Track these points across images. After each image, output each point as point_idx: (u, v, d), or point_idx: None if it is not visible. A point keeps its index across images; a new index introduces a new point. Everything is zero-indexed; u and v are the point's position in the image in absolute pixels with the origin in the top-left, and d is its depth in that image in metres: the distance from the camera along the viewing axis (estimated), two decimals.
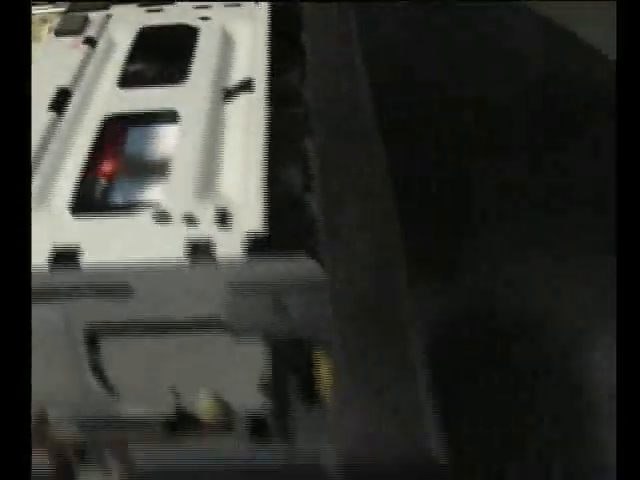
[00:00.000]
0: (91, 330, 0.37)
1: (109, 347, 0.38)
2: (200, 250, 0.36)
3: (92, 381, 0.39)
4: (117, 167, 0.46)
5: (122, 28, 0.56)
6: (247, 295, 0.34)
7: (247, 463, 0.30)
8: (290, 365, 0.33)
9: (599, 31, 0.86)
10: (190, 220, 0.38)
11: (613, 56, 0.84)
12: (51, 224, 0.39)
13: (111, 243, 0.37)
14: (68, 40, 0.54)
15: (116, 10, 0.58)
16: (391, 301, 0.32)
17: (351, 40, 0.52)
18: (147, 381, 0.39)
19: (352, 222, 0.35)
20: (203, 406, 0.40)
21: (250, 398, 0.38)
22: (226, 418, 0.40)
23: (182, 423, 0.40)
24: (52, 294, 0.36)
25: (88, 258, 0.37)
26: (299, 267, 0.34)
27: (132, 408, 0.40)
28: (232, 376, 0.38)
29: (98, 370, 0.39)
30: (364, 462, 0.27)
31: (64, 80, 0.50)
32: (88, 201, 0.41)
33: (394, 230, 0.35)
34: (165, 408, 0.40)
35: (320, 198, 0.37)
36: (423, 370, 0.30)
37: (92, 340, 0.38)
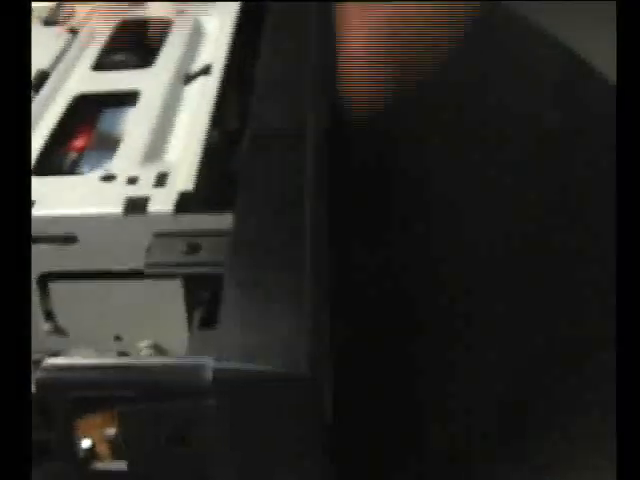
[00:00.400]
0: (42, 274, 0.42)
1: (58, 292, 0.43)
2: (136, 206, 0.41)
3: (42, 322, 0.43)
4: (86, 142, 0.51)
5: (104, 20, 0.61)
6: (166, 241, 0.39)
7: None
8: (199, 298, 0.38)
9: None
10: (131, 181, 0.43)
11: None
12: None
13: (62, 198, 0.42)
14: (54, 29, 0.60)
15: (101, 5, 0.63)
16: (293, 241, 0.36)
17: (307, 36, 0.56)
18: (92, 325, 0.44)
19: (270, 174, 0.40)
20: (144, 354, 0.44)
21: (179, 342, 0.43)
22: None
23: None
24: None
25: (41, 210, 0.42)
26: (217, 219, 0.39)
27: (78, 350, 0.44)
28: (163, 321, 0.43)
29: (48, 313, 0.43)
30: (236, 375, 0.31)
31: (45, 64, 0.55)
32: (49, 166, 0.46)
33: (310, 182, 0.39)
34: (110, 352, 0.44)
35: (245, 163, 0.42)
36: (308, 299, 0.34)
37: (42, 283, 0.42)
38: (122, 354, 0.44)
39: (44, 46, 0.57)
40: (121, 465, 0.35)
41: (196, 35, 0.59)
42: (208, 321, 0.35)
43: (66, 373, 0.32)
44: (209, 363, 0.31)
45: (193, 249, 0.38)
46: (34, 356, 0.44)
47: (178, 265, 0.37)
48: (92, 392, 0.32)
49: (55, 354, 0.44)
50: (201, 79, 0.53)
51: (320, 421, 0.32)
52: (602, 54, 0.84)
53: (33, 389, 0.33)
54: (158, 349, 0.44)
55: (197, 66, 0.55)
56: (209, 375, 0.31)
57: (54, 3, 0.64)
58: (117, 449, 0.39)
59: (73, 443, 0.34)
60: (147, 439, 0.33)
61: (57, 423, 0.33)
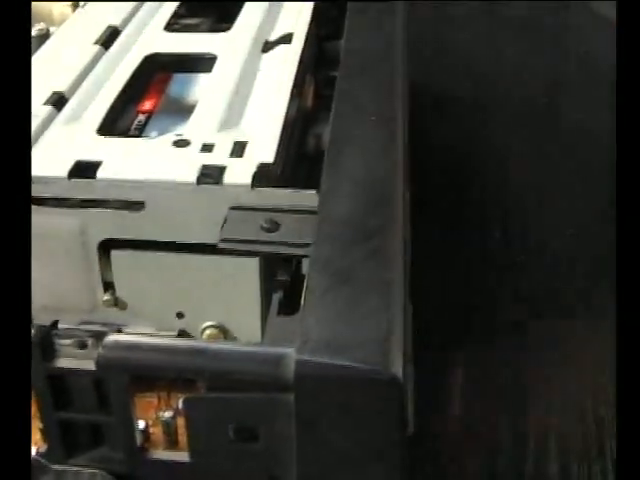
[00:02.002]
0: (104, 241, 0.39)
1: (120, 261, 0.40)
2: (211, 176, 0.38)
3: (101, 293, 0.41)
4: (155, 105, 0.48)
5: None
6: (244, 215, 0.35)
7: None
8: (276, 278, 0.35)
9: None
10: (207, 148, 0.40)
11: None
12: (78, 142, 0.41)
13: (130, 162, 0.39)
14: None
15: None
16: (382, 226, 0.33)
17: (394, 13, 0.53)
18: (154, 300, 0.41)
19: (353, 158, 0.36)
20: (207, 334, 0.41)
21: (249, 325, 0.40)
22: None
23: None
24: (69, 203, 0.39)
25: (107, 173, 0.39)
26: (299, 196, 0.36)
27: (136, 325, 0.42)
28: (233, 302, 0.40)
29: (107, 283, 0.41)
30: (321, 371, 0.28)
31: (115, 20, 0.52)
32: (116, 126, 0.43)
33: (394, 167, 0.36)
34: (169, 330, 0.42)
35: (332, 139, 0.39)
36: (400, 294, 0.31)
37: (104, 250, 0.39)
38: (183, 333, 0.41)
39: (115, 3, 0.55)
40: (182, 456, 0.31)
41: (275, 4, 0.55)
42: (289, 306, 0.32)
43: (130, 353, 0.29)
44: (291, 354, 0.28)
45: (273, 226, 0.34)
46: (91, 327, 0.42)
47: (257, 242, 0.34)
48: (159, 376, 0.29)
49: (111, 327, 0.41)
50: (281, 47, 0.50)
51: (403, 426, 0.29)
52: None
53: (89, 365, 0.30)
54: (223, 331, 0.41)
55: (277, 34, 0.52)
56: (291, 367, 0.28)
57: None
58: (172, 434, 0.36)
59: (131, 429, 0.31)
60: (213, 431, 0.30)
61: (115, 407, 0.30)
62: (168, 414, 0.36)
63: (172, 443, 0.37)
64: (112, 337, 0.30)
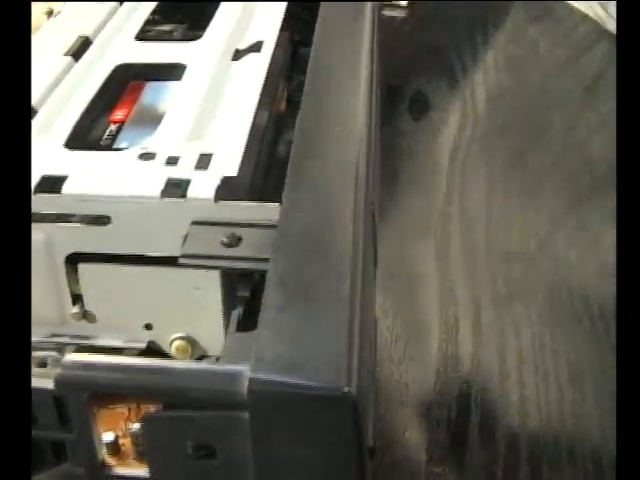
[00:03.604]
0: (71, 254, 0.39)
1: (87, 274, 0.40)
2: (175, 189, 0.38)
3: (69, 306, 0.41)
4: (126, 115, 0.48)
5: None
6: (205, 230, 0.35)
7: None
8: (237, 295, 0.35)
9: None
10: (172, 161, 0.40)
11: None
12: (45, 155, 0.41)
13: (96, 176, 0.39)
14: None
15: None
16: (340, 241, 0.33)
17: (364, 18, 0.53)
18: (122, 312, 0.41)
19: (316, 171, 0.36)
20: (176, 346, 0.42)
21: (215, 337, 0.40)
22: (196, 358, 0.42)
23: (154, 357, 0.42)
24: (35, 218, 0.39)
25: (73, 188, 0.39)
26: (261, 209, 0.36)
27: (105, 337, 0.42)
28: (198, 314, 0.40)
29: (76, 296, 0.41)
30: (275, 389, 0.28)
31: (86, 30, 0.52)
32: (84, 139, 0.43)
33: (357, 179, 0.36)
34: (138, 342, 0.42)
35: (295, 151, 0.39)
36: (357, 310, 0.31)
37: (72, 264, 0.40)
38: (152, 344, 0.42)
39: (87, 13, 0.55)
40: (141, 472, 0.32)
41: (247, 9, 0.55)
42: (246, 323, 0.32)
43: (87, 372, 0.29)
44: (245, 372, 0.28)
45: (234, 241, 0.34)
46: (60, 339, 0.42)
47: (216, 258, 0.34)
48: (113, 395, 0.29)
49: (81, 339, 0.42)
50: (251, 56, 0.50)
51: (359, 443, 0.29)
52: None
53: (49, 385, 0.30)
54: (191, 343, 0.41)
55: (248, 41, 0.52)
56: (244, 385, 0.28)
57: None
58: (142, 445, 0.36)
59: (91, 445, 0.32)
60: (171, 447, 0.30)
61: (74, 423, 0.31)
62: (137, 425, 0.37)
63: (142, 454, 0.37)
64: (70, 357, 0.30)
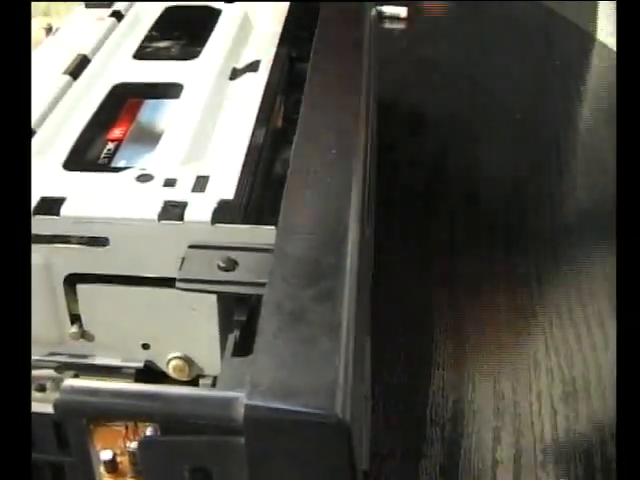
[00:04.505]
0: (70, 275, 0.40)
1: (86, 294, 0.41)
2: (172, 212, 0.38)
3: (68, 326, 0.41)
4: (124, 134, 0.48)
5: (149, 5, 0.58)
6: (202, 253, 0.36)
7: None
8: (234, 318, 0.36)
9: None
10: (169, 183, 0.40)
11: None
12: (44, 176, 0.42)
13: (94, 198, 0.40)
14: (96, 11, 0.57)
15: None
16: (335, 266, 0.33)
17: (363, 33, 0.54)
18: (119, 332, 0.41)
19: (311, 195, 0.37)
20: (173, 365, 0.42)
21: (212, 358, 0.40)
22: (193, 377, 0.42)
23: (152, 377, 0.42)
24: (35, 240, 0.39)
25: (71, 210, 0.39)
26: (257, 232, 0.37)
27: (104, 356, 0.42)
28: (195, 335, 0.40)
29: (74, 315, 0.41)
30: (270, 416, 0.28)
31: (85, 48, 0.53)
32: (82, 159, 0.44)
33: (353, 203, 0.37)
34: (136, 361, 0.42)
35: (291, 174, 0.39)
36: (352, 336, 0.31)
37: (70, 284, 0.40)
38: (150, 363, 0.42)
39: (85, 30, 0.55)
40: None
41: (244, 27, 0.56)
42: (243, 347, 0.32)
43: (85, 397, 0.30)
44: (241, 398, 0.29)
45: (230, 265, 0.35)
46: (59, 358, 0.42)
47: (213, 283, 0.35)
48: (112, 419, 0.30)
49: (79, 358, 0.42)
50: (248, 75, 0.50)
51: (353, 467, 0.30)
52: None
53: (48, 409, 0.31)
54: (188, 362, 0.42)
55: (245, 60, 0.52)
56: (240, 411, 0.28)
57: None
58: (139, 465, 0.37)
59: (89, 468, 0.32)
60: (168, 471, 0.31)
61: (73, 448, 0.31)
62: (135, 444, 0.37)
63: (140, 473, 0.37)
64: (69, 382, 0.31)
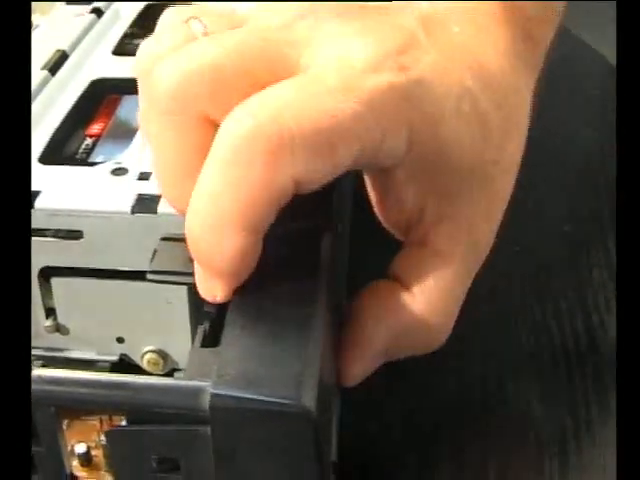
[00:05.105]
0: (44, 268, 0.40)
1: (60, 288, 0.41)
2: (145, 205, 0.39)
3: (43, 319, 0.41)
4: (102, 129, 0.48)
5: (130, 3, 0.59)
6: (173, 246, 0.36)
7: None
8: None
9: None
10: (143, 176, 0.40)
11: None
12: None
13: (68, 191, 0.40)
14: (76, 8, 0.57)
15: None
16: (310, 254, 0.33)
17: None
18: (94, 325, 0.42)
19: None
20: (147, 359, 0.42)
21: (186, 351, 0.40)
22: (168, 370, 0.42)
23: (127, 370, 0.43)
24: None
25: (45, 203, 0.39)
26: None
27: (79, 350, 0.43)
28: (168, 328, 0.40)
29: (49, 309, 0.41)
30: (235, 405, 0.29)
31: (64, 44, 0.53)
32: (58, 153, 0.44)
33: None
34: (111, 355, 0.42)
35: None
36: (320, 328, 0.31)
37: (44, 278, 0.40)
38: (124, 357, 0.42)
39: (65, 26, 0.55)
40: None
41: None
42: (211, 338, 0.32)
43: (52, 387, 0.30)
44: (207, 387, 0.29)
45: None
46: (34, 351, 0.42)
47: (183, 274, 0.35)
48: (79, 409, 0.30)
49: (54, 351, 0.42)
50: None
51: (320, 458, 0.30)
52: None
53: None
54: (162, 355, 0.42)
55: None
56: (207, 400, 0.29)
57: None
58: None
59: (60, 458, 0.32)
60: (136, 461, 0.31)
61: (42, 437, 0.31)
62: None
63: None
64: (37, 371, 0.31)
